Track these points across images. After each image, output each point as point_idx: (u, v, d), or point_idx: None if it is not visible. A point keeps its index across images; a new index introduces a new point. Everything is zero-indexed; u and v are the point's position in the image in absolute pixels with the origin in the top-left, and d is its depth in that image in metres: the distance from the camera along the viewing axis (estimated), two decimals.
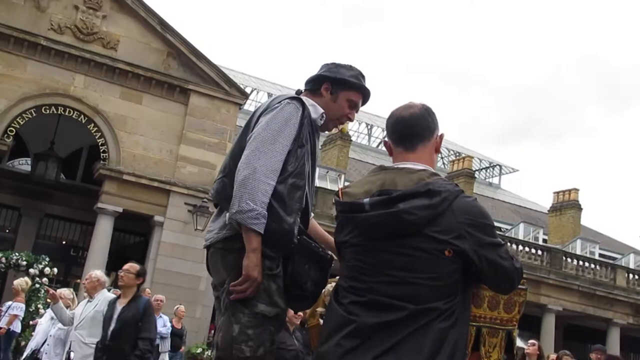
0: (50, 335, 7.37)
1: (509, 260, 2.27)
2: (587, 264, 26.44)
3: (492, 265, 2.22)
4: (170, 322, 12.33)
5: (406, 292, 2.17)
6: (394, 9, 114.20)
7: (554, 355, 10.86)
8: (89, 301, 7.19)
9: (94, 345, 6.82)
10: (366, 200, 2.26)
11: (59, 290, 8.03)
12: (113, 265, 19.76)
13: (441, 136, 2.49)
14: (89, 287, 7.18)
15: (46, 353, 7.28)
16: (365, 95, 3.12)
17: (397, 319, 2.15)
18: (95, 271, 7.68)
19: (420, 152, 2.41)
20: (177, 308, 13.02)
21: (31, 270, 15.75)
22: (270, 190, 2.72)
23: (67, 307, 7.57)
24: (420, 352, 2.10)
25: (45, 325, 7.60)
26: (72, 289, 8.35)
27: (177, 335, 12.62)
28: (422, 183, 2.23)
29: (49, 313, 7.81)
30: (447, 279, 2.18)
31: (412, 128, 2.42)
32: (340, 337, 2.21)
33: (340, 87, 3.03)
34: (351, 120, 3.17)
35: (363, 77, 3.10)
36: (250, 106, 29.99)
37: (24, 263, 15.84)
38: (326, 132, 3.23)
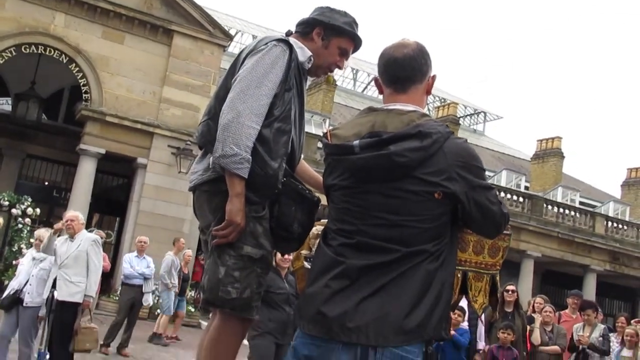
0: (32, 275, 7.36)
1: (497, 204, 2.25)
2: (567, 212, 26.80)
3: (481, 208, 2.22)
4: (180, 268, 12.51)
5: (395, 235, 2.16)
6: None
7: (531, 300, 11.08)
8: (69, 240, 7.19)
9: (80, 284, 6.89)
10: (356, 142, 2.22)
11: (37, 231, 8.04)
12: (96, 207, 19.78)
13: (433, 77, 2.43)
14: (77, 228, 7.20)
15: (28, 293, 7.29)
16: (357, 44, 3.04)
17: (386, 261, 2.15)
18: (76, 212, 7.71)
19: (411, 94, 2.35)
20: (184, 252, 13.03)
21: (13, 211, 15.71)
22: (255, 135, 2.67)
23: None
24: (408, 293, 2.12)
25: (27, 265, 7.57)
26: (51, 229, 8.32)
27: (184, 280, 12.84)
28: (413, 125, 2.19)
29: (30, 253, 7.78)
30: (436, 221, 2.17)
31: (405, 70, 2.34)
32: (329, 278, 2.21)
33: (332, 33, 2.95)
34: (341, 68, 3.09)
35: (357, 24, 3.01)
36: (234, 48, 29.60)
37: (6, 203, 15.78)
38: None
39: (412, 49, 2.37)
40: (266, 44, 2.82)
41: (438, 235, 2.19)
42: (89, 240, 7.09)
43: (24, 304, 7.29)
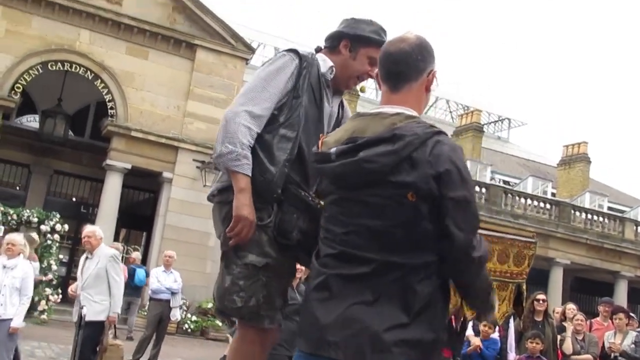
0: (5, 285, 7.10)
1: (466, 231, 2.05)
2: (595, 217, 26.45)
3: (443, 226, 2.05)
4: None
5: (373, 243, 2.08)
6: None
7: (559, 308, 10.92)
8: (87, 258, 7.17)
9: (104, 302, 6.90)
10: (333, 149, 2.18)
11: (8, 236, 7.77)
12: (123, 222, 19.95)
13: (433, 73, 2.29)
14: (95, 244, 7.14)
15: (2, 304, 7.03)
16: None
17: (366, 272, 2.07)
18: (93, 227, 7.54)
19: (404, 93, 2.25)
20: None
21: (42, 227, 15.86)
22: (252, 134, 2.72)
23: (20, 253, 7.32)
24: (392, 306, 2.02)
25: None
26: (22, 234, 8.01)
27: None
28: (391, 128, 2.11)
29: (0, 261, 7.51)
30: (414, 228, 2.05)
31: (398, 65, 2.25)
32: (312, 290, 2.18)
33: (359, 43, 2.94)
34: (372, 77, 3.00)
35: (384, 32, 2.98)
36: (257, 61, 29.72)
37: (35, 220, 15.93)
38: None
39: (408, 43, 2.26)
40: (277, 54, 2.93)
41: (420, 245, 2.06)
42: (107, 257, 7.06)
43: None
